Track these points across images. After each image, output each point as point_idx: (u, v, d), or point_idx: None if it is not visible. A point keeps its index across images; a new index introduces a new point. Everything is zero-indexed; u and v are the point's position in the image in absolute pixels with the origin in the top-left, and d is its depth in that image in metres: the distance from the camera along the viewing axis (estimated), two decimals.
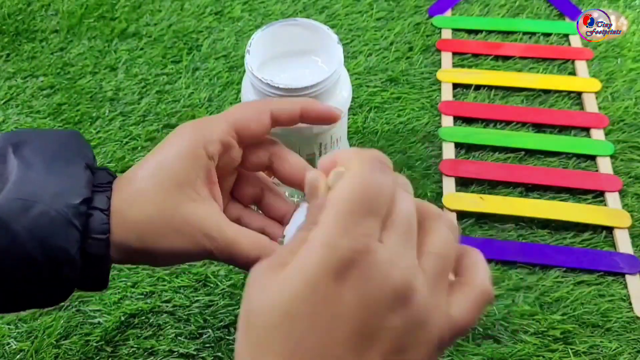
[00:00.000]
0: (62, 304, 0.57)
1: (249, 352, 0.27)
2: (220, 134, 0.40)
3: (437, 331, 0.28)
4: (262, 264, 0.29)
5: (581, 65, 0.76)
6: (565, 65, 0.77)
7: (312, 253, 0.27)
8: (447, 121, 0.70)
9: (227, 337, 0.55)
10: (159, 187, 0.38)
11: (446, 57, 0.77)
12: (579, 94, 0.73)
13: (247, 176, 0.44)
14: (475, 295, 0.30)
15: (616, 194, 0.64)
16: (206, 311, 0.57)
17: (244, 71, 0.57)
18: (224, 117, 0.41)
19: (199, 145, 0.39)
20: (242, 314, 0.28)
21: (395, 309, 0.27)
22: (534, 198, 0.64)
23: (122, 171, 0.54)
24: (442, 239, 0.30)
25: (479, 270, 0.31)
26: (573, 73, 0.76)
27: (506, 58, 0.78)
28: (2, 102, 0.75)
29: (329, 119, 0.43)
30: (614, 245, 0.61)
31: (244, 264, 0.39)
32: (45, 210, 0.36)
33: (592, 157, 0.67)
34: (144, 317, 0.56)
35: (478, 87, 0.74)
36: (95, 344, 0.55)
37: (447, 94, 0.73)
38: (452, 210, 0.62)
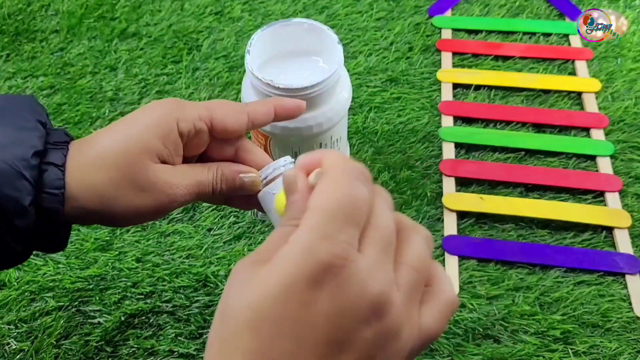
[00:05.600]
0: (61, 303, 0.57)
1: (218, 348, 0.27)
2: (196, 117, 0.40)
3: (408, 343, 0.28)
4: (245, 259, 0.28)
5: (581, 65, 0.76)
6: (565, 65, 0.77)
7: (291, 255, 0.26)
8: (447, 121, 0.70)
9: None
10: (123, 151, 0.38)
11: (446, 57, 0.77)
12: (579, 94, 0.73)
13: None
14: (444, 305, 0.30)
15: (616, 194, 0.64)
16: (206, 311, 0.57)
17: (244, 71, 0.57)
18: (204, 105, 0.42)
19: (173, 120, 0.39)
20: (219, 307, 0.28)
21: (370, 321, 0.27)
22: (534, 198, 0.64)
23: None
24: (418, 253, 0.30)
25: (446, 280, 0.31)
26: (573, 73, 0.76)
27: (506, 58, 0.78)
28: None
29: (297, 111, 0.45)
30: (614, 245, 0.61)
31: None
32: None
33: (592, 157, 0.67)
34: (144, 317, 0.56)
35: (478, 87, 0.74)
36: (95, 344, 0.55)
37: (447, 94, 0.73)
38: (452, 210, 0.62)
